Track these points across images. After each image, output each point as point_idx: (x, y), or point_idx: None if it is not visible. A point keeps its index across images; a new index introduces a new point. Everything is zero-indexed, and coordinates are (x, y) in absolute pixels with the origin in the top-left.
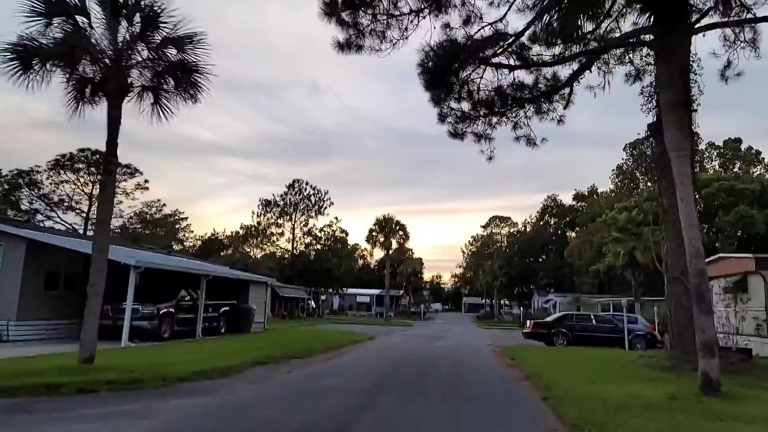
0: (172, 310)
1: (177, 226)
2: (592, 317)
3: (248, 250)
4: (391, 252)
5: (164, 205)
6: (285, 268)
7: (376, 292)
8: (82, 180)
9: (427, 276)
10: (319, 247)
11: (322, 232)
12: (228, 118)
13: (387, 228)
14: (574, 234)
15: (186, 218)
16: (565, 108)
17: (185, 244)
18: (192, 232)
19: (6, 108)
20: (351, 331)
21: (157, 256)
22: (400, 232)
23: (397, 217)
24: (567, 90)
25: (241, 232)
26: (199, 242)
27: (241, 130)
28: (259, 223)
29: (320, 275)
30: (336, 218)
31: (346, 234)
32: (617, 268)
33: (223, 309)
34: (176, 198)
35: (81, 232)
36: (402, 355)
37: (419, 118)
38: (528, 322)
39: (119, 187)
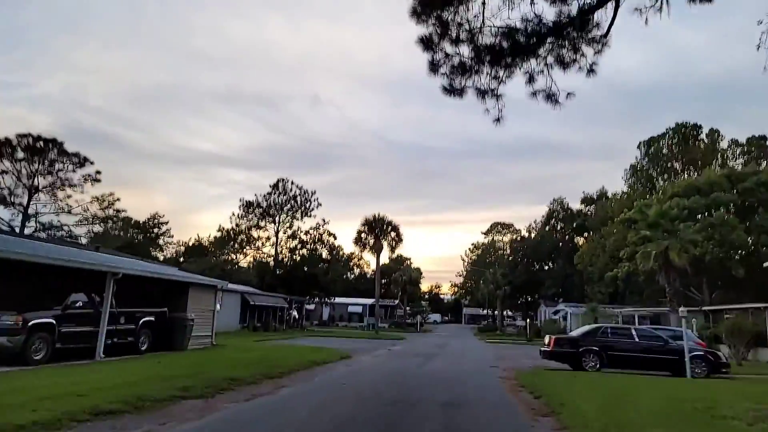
0: (53, 321)
1: (156, 230)
2: (634, 332)
3: (230, 255)
4: (382, 255)
5: (118, 199)
6: (266, 274)
7: (369, 301)
8: (25, 171)
9: (426, 287)
10: (304, 251)
11: (308, 235)
12: (229, 129)
13: (377, 229)
14: (583, 239)
15: (166, 223)
16: (602, 43)
17: (166, 250)
18: (172, 236)
19: None
20: (324, 347)
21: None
22: (393, 234)
23: (390, 218)
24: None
25: (218, 235)
26: (183, 248)
27: (241, 141)
28: (237, 225)
29: (304, 282)
30: (323, 220)
31: (335, 237)
32: (641, 273)
33: (144, 319)
34: (177, 209)
35: (18, 230)
36: (372, 387)
37: (419, 131)
38: (548, 338)
39: (64, 179)
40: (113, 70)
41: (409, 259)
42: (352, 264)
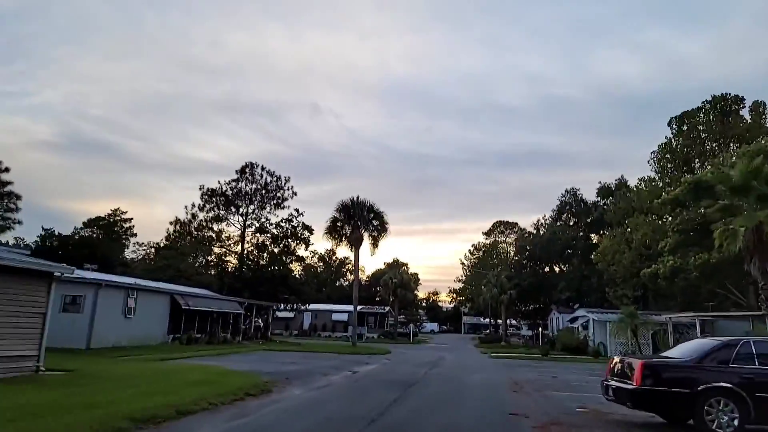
0: None
1: (116, 228)
2: None
3: (189, 254)
4: (369, 257)
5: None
6: (227, 275)
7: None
8: None
9: (424, 294)
10: (276, 249)
11: (279, 229)
12: (228, 138)
13: (356, 216)
14: (600, 236)
15: (130, 219)
16: None
17: (136, 251)
18: (135, 234)
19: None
20: (245, 372)
21: None
22: (375, 222)
23: (372, 202)
24: None
25: (171, 228)
26: (153, 249)
27: (241, 151)
28: (194, 216)
29: (272, 284)
30: (297, 210)
31: (311, 231)
32: (691, 268)
33: None
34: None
35: None
36: None
37: (418, 140)
38: (634, 365)
39: None
40: (114, 80)
41: (406, 264)
42: (344, 269)
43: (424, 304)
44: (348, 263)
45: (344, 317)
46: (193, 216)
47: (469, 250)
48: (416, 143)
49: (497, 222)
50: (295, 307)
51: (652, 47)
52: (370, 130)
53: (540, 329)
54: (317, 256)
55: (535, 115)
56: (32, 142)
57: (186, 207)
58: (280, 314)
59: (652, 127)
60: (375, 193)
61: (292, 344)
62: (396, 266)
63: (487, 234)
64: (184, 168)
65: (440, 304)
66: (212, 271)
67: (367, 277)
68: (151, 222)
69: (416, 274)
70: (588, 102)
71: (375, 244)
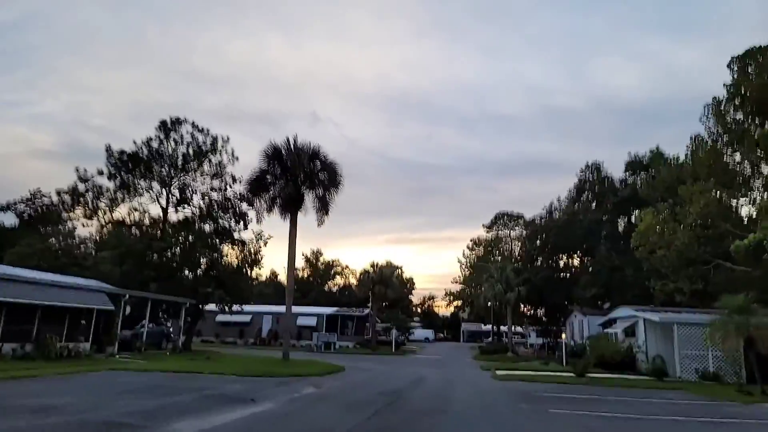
0: None
1: None
2: None
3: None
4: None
5: None
6: (131, 260)
7: (328, 310)
8: None
9: (419, 299)
10: (208, 229)
11: (206, 200)
12: (229, 147)
13: (294, 167)
14: (637, 213)
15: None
16: None
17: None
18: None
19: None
20: None
21: None
22: (323, 176)
23: (318, 146)
24: None
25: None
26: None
27: (241, 159)
28: (82, 180)
29: (195, 275)
30: (233, 177)
31: (250, 203)
32: None
33: None
34: None
35: None
36: None
37: (417, 148)
38: None
39: None
40: (115, 90)
41: (400, 267)
42: (332, 272)
43: (419, 311)
44: (336, 265)
45: (312, 322)
46: (93, 186)
47: (468, 246)
48: (416, 152)
49: (500, 213)
50: (225, 306)
51: (651, 56)
52: (370, 139)
53: (554, 336)
54: (264, 239)
55: (534, 124)
56: (33, 151)
57: (78, 170)
58: (229, 318)
59: (650, 136)
60: (375, 202)
61: (198, 360)
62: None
63: (489, 227)
64: None
65: (437, 310)
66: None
67: (357, 280)
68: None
69: (412, 279)
70: (587, 110)
71: (323, 209)
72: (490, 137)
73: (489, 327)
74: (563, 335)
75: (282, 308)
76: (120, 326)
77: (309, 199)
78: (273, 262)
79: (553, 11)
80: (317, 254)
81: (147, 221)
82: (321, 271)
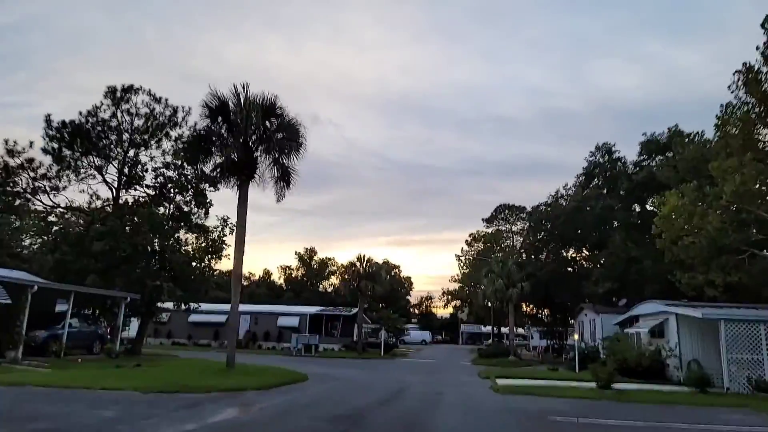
0: None
1: None
2: None
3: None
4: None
5: None
6: (64, 247)
7: (312, 309)
8: None
9: (418, 300)
10: (162, 212)
11: (160, 179)
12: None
13: (243, 123)
14: (659, 196)
15: None
16: None
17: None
18: None
19: None
20: None
21: None
22: (281, 134)
23: (274, 96)
24: None
25: None
26: None
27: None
28: (12, 153)
29: (147, 265)
30: (182, 151)
31: (213, 182)
32: None
33: None
34: None
35: None
36: None
37: (417, 150)
38: None
39: None
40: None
41: (398, 267)
42: (326, 272)
43: (416, 312)
44: (332, 265)
45: (294, 322)
46: (26, 162)
47: (467, 241)
48: (416, 154)
49: (501, 206)
50: (180, 305)
51: (651, 59)
52: (370, 141)
53: (559, 338)
54: (231, 225)
55: (534, 126)
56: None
57: (7, 142)
58: (203, 318)
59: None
60: (375, 203)
61: (126, 368)
62: (387, 270)
63: (489, 221)
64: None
65: (435, 311)
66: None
67: (341, 274)
68: None
69: (410, 279)
70: (586, 113)
71: (283, 179)
72: (490, 139)
73: (489, 328)
74: (575, 336)
75: (262, 307)
76: (26, 324)
77: (265, 167)
78: (266, 261)
79: (552, 14)
80: (311, 252)
81: (92, 204)
82: (315, 270)
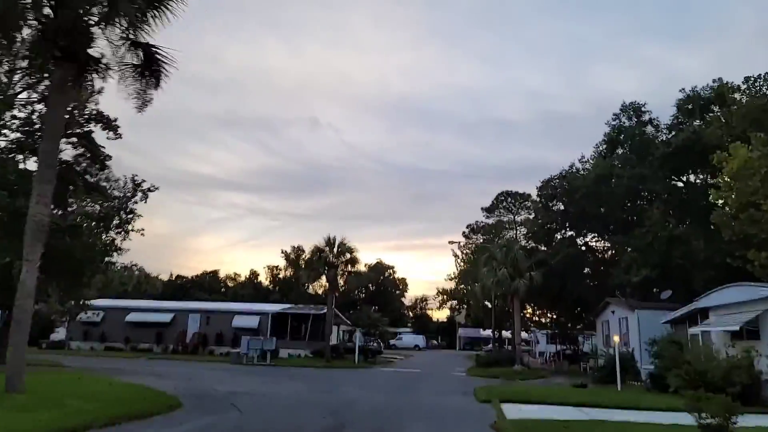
0: None
1: None
2: None
3: None
4: None
5: None
6: None
7: (275, 308)
8: None
9: (412, 302)
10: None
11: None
12: (228, 153)
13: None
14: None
15: None
16: None
17: None
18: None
19: None
20: None
21: None
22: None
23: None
24: None
25: None
26: None
27: (241, 165)
28: None
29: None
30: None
31: (110, 126)
32: None
33: None
34: (177, 232)
35: None
36: None
37: (417, 154)
38: None
39: None
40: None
41: (392, 267)
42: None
43: (411, 315)
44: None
45: (253, 323)
46: None
47: (464, 233)
48: (415, 157)
49: (503, 193)
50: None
51: (650, 63)
52: (370, 145)
53: (573, 342)
54: (145, 189)
55: (533, 130)
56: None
57: None
58: (143, 317)
59: None
60: (374, 207)
61: None
62: (379, 271)
63: (489, 211)
64: (183, 182)
65: (431, 315)
66: None
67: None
68: (149, 236)
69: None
70: (586, 117)
71: (149, 67)
72: (490, 143)
73: (489, 332)
74: (615, 338)
75: (214, 305)
76: None
77: (108, 44)
78: (253, 262)
79: (552, 18)
80: (299, 251)
81: None
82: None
